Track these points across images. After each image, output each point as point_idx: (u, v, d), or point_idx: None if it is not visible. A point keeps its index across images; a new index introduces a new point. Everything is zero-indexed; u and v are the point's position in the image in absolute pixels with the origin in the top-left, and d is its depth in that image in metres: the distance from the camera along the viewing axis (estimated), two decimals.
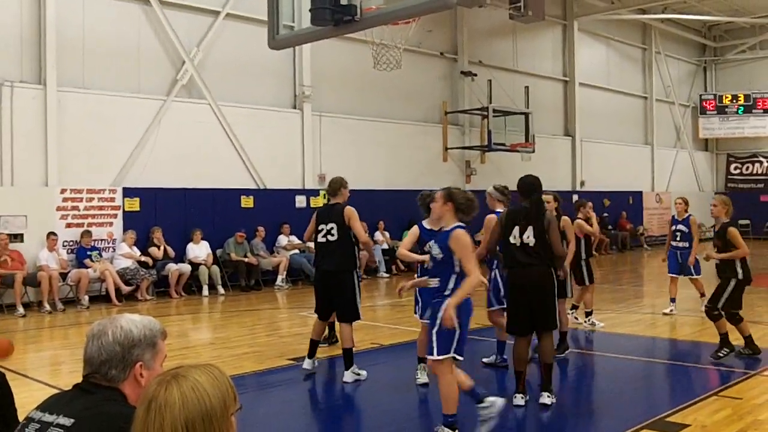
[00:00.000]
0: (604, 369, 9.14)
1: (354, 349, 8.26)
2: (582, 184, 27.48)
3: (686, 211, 12.48)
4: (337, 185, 8.38)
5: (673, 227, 12.66)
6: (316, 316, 8.60)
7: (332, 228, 8.17)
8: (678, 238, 12.48)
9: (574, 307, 11.51)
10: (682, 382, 8.19)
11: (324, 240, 8.24)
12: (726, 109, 33.65)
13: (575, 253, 9.85)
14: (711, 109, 33.99)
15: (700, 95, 34.35)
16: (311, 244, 9.90)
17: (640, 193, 30.35)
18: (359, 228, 8.23)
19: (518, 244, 7.06)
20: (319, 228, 8.28)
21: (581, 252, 10.71)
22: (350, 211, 8.18)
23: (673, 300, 12.53)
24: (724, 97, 33.72)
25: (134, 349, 2.46)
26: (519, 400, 7.04)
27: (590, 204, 11.59)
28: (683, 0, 27.49)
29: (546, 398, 7.03)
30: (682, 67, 33.79)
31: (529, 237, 7.02)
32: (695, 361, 9.52)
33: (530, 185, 7.26)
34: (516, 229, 7.08)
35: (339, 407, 7.69)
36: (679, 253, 12.45)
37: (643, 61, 31.51)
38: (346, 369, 8.10)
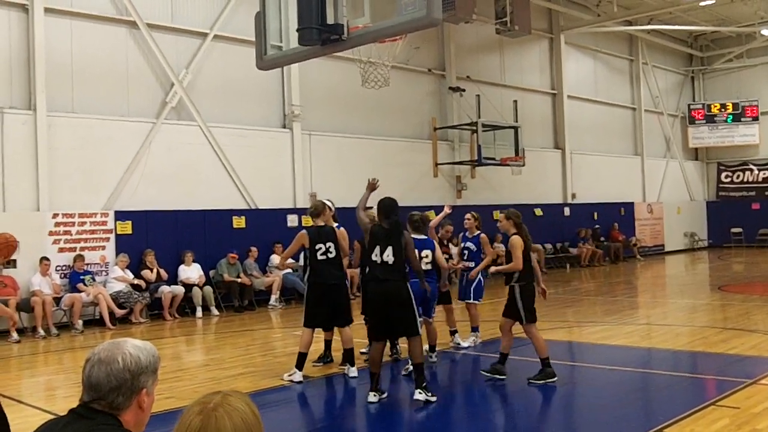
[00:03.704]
0: (599, 381, 9.08)
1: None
2: (573, 196, 27.54)
3: (477, 228, 10.91)
4: (320, 208, 9.37)
5: (462, 244, 11.08)
6: (306, 330, 9.02)
7: (330, 246, 9.08)
8: (465, 257, 10.87)
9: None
10: (678, 392, 8.15)
11: (324, 258, 9.06)
12: (715, 118, 33.82)
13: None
14: (700, 118, 34.15)
15: (689, 105, 34.51)
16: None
17: (632, 204, 30.43)
18: (346, 247, 9.56)
19: (378, 262, 7.90)
20: (317, 247, 9.07)
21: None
22: (343, 233, 9.39)
23: (473, 329, 11.01)
24: (712, 106, 33.89)
25: (142, 376, 2.43)
26: (372, 397, 7.76)
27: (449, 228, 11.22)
28: (669, 11, 27.65)
29: (418, 395, 7.63)
30: (669, 78, 33.97)
31: (389, 256, 7.86)
32: (691, 371, 9.53)
33: (388, 207, 8.15)
34: (377, 248, 7.93)
35: (335, 427, 7.64)
36: (467, 274, 10.86)
37: (631, 72, 31.66)
38: (351, 366, 9.12)
